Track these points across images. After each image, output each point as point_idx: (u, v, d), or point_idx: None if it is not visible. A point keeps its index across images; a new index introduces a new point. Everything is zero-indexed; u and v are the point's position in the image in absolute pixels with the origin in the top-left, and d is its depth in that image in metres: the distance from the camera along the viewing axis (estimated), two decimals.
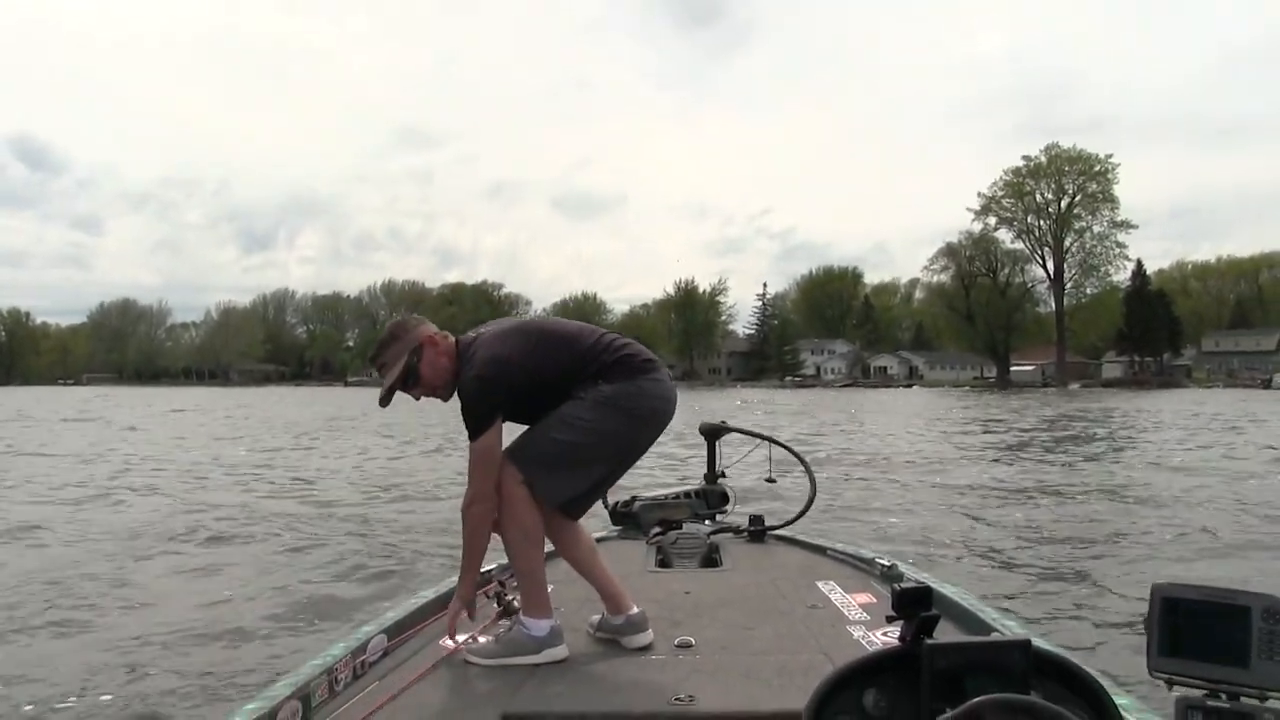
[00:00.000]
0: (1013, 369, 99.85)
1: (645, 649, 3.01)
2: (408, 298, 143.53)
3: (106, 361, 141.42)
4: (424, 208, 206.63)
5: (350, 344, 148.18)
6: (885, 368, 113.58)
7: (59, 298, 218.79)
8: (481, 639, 3.02)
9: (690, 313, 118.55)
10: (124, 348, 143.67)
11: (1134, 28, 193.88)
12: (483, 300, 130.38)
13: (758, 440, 5.15)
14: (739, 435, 5.20)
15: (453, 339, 3.10)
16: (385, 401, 3.07)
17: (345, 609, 6.00)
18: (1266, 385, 78.03)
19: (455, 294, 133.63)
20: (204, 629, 5.60)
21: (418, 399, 3.11)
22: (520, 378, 2.95)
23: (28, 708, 4.38)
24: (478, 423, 2.89)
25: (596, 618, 3.19)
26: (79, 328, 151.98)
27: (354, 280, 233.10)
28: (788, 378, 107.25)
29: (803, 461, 5.05)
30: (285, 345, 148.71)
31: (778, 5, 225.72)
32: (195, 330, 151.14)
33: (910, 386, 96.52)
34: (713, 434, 5.10)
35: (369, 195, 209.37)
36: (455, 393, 3.01)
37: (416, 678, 2.71)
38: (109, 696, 4.51)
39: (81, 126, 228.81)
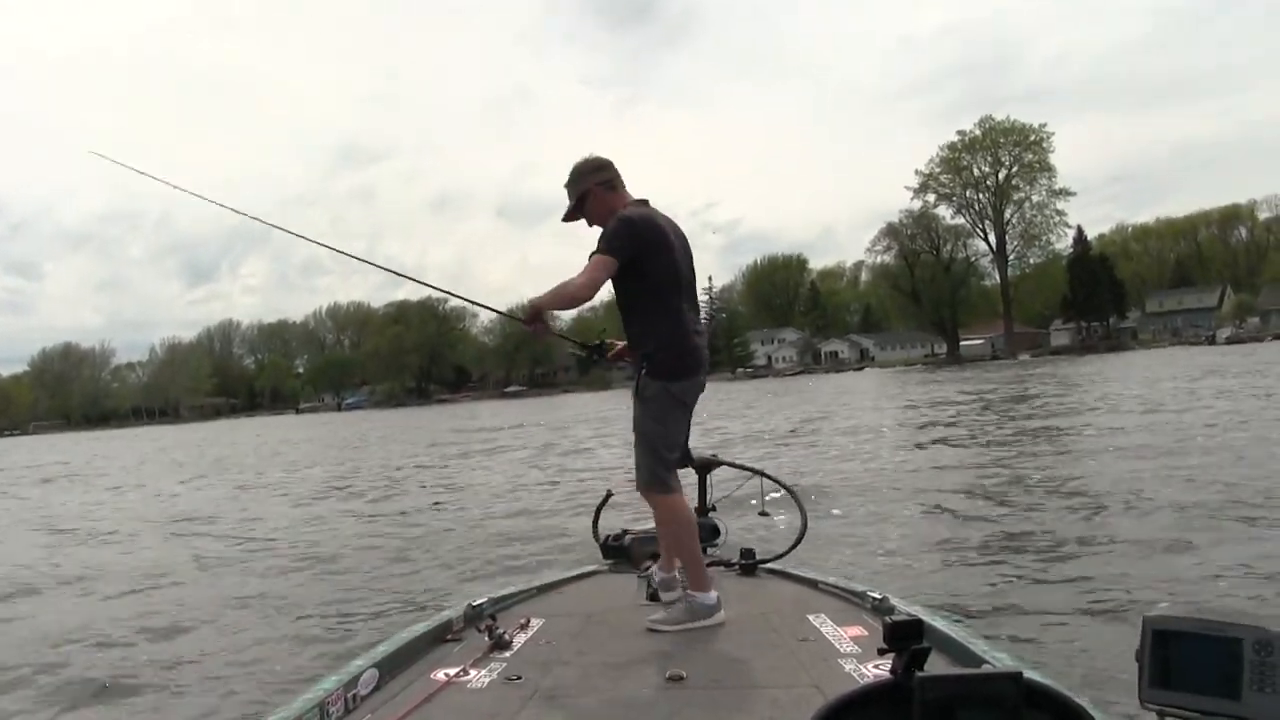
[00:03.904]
0: (962, 344, 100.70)
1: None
2: (354, 319, 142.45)
3: (51, 408, 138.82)
4: (368, 226, 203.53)
5: (300, 370, 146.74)
6: (836, 352, 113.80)
7: None
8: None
9: None
10: (68, 393, 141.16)
11: None
12: (429, 316, 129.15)
13: (749, 474, 5.15)
14: (730, 469, 5.19)
15: (624, 195, 3.93)
16: (566, 220, 4.00)
17: (336, 642, 6.00)
18: (1211, 341, 79.06)
19: (401, 312, 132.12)
20: (193, 661, 5.70)
21: (590, 225, 3.90)
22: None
23: None
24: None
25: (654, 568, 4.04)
26: (21, 376, 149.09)
27: (301, 306, 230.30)
28: (739, 370, 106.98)
29: (794, 495, 5.04)
30: (234, 377, 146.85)
31: None
32: (141, 369, 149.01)
33: (862, 369, 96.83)
34: (704, 467, 4.99)
35: (313, 217, 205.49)
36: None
37: (408, 711, 2.72)
38: None
39: (10, 167, 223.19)
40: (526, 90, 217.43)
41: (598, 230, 3.88)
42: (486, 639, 3.39)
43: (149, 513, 15.11)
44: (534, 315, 3.85)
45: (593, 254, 3.73)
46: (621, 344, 4.08)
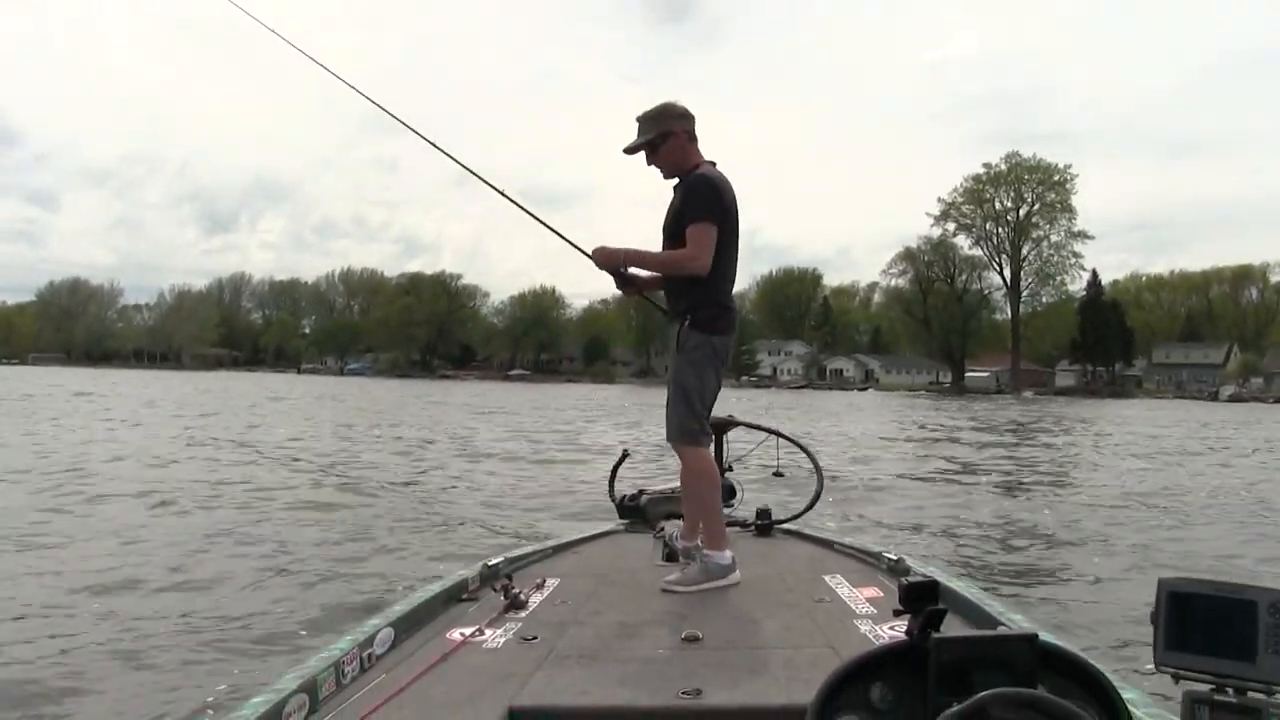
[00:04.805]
0: (967, 375, 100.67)
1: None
2: (365, 286, 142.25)
3: (54, 341, 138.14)
4: (389, 196, 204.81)
5: (306, 330, 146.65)
6: (841, 370, 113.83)
7: (7, 275, 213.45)
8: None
9: (649, 309, 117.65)
10: (72, 328, 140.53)
11: (1104, 42, 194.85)
12: (440, 290, 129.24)
13: (765, 434, 5.16)
14: (746, 429, 5.16)
15: (699, 151, 3.95)
16: (629, 152, 3.95)
17: (352, 602, 5.96)
18: (1213, 397, 79.28)
19: (413, 284, 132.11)
20: (210, 621, 5.58)
21: (649, 165, 3.95)
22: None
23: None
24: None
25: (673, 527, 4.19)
26: (26, 306, 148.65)
27: (315, 266, 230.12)
28: (743, 377, 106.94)
29: (810, 455, 5.07)
30: (240, 330, 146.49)
31: (750, 4, 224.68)
32: (147, 312, 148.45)
33: (865, 390, 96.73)
34: (720, 428, 4.95)
35: (334, 181, 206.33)
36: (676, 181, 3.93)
37: (424, 671, 2.69)
38: (110, 690, 4.47)
39: (40, 98, 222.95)
40: (557, 75, 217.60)
41: (653, 173, 3.96)
42: (502, 599, 3.39)
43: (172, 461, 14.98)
44: (615, 263, 3.93)
45: (690, 222, 3.75)
46: (646, 275, 4.05)
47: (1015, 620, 2.89)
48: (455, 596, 3.56)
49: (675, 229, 3.84)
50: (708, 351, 3.83)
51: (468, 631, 3.07)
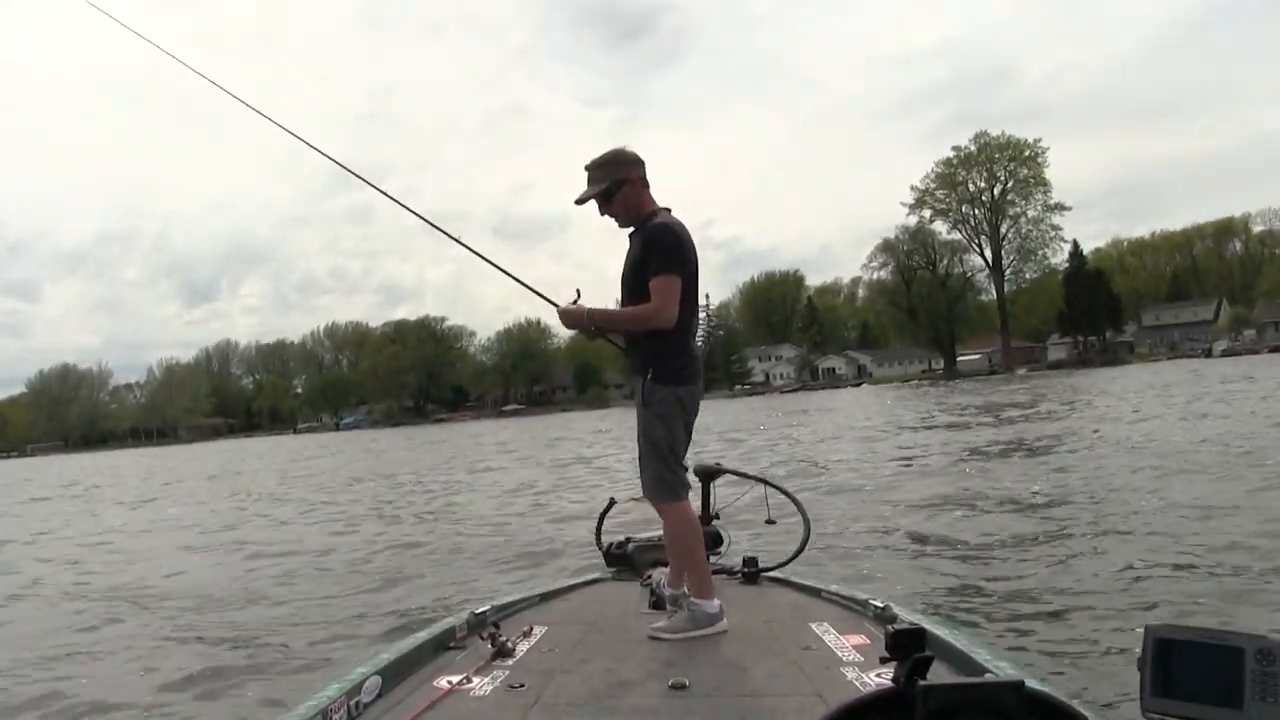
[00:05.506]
0: (960, 359, 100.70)
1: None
2: (351, 339, 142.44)
3: (48, 430, 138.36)
4: (366, 246, 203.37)
5: (298, 390, 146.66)
6: (834, 369, 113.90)
7: None
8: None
9: None
10: (65, 415, 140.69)
11: (1060, 12, 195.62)
12: (426, 335, 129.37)
13: (753, 482, 5.19)
14: (734, 476, 5.19)
15: (650, 198, 3.87)
16: (579, 203, 3.87)
17: (339, 650, 6.02)
18: (1207, 354, 79.44)
19: (398, 331, 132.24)
20: (198, 669, 5.66)
21: (602, 215, 3.87)
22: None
23: None
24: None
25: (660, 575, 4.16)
26: (17, 398, 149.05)
27: (300, 325, 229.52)
28: (736, 387, 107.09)
29: (797, 503, 5.05)
30: (231, 397, 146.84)
31: (706, 13, 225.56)
32: (139, 390, 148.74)
33: (859, 385, 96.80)
34: (707, 476, 4.96)
35: (310, 237, 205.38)
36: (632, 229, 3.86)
37: (411, 719, 2.73)
38: None
39: (7, 188, 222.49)
40: (523, 109, 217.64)
41: (607, 221, 3.90)
42: (489, 647, 3.41)
43: (175, 526, 15.41)
44: (581, 323, 3.90)
45: (655, 274, 3.70)
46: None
47: (1002, 667, 2.88)
48: (443, 644, 3.58)
49: (635, 281, 3.79)
50: (673, 404, 3.79)
51: (455, 680, 3.10)
